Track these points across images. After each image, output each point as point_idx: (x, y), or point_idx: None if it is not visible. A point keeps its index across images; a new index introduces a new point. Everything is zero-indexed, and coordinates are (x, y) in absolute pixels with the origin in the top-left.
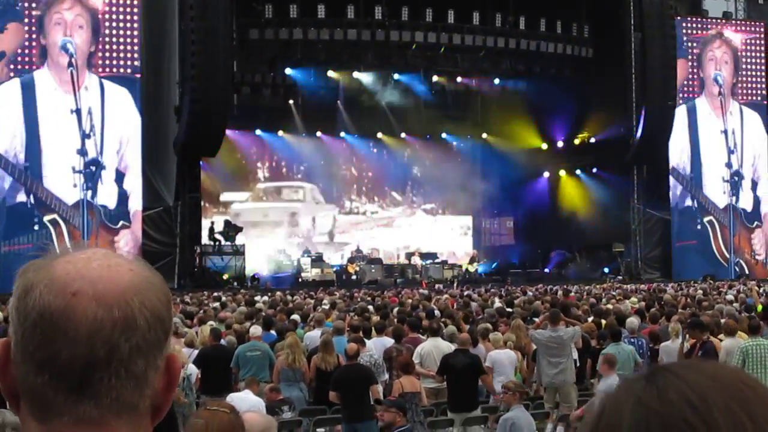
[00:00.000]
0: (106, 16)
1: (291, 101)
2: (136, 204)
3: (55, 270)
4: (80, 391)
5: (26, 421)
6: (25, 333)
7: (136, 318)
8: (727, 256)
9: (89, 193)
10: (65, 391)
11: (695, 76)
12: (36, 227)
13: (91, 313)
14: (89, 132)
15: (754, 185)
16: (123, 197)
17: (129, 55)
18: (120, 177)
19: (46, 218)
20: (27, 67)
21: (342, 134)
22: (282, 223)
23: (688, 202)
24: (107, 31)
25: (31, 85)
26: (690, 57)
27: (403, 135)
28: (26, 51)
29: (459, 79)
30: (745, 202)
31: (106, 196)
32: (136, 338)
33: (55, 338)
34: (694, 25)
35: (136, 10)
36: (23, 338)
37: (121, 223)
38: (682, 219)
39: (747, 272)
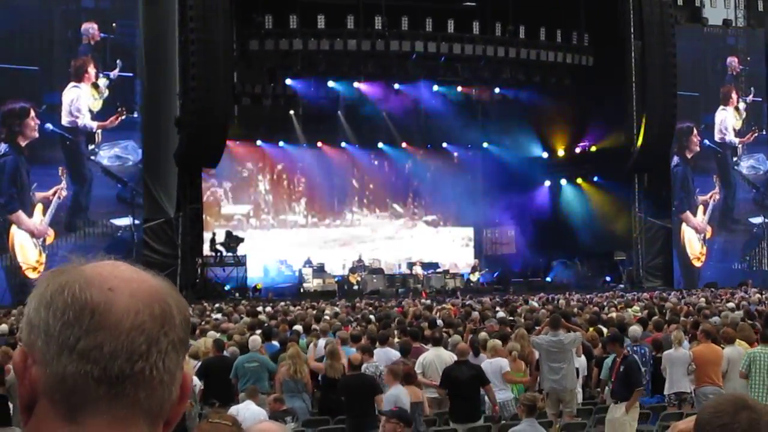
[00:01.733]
0: (111, 27)
1: (291, 111)
2: None
3: (86, 271)
4: (121, 383)
5: (46, 424)
6: (63, 326)
7: (173, 315)
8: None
9: None
10: (107, 384)
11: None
12: None
13: (133, 307)
14: None
15: None
16: None
17: (128, 64)
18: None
19: None
20: None
21: (343, 144)
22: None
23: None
24: (109, 44)
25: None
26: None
27: (404, 145)
28: None
29: (459, 88)
30: None
31: None
32: (172, 333)
33: (98, 330)
34: (695, 33)
35: (136, 22)
36: (60, 332)
37: None
38: None
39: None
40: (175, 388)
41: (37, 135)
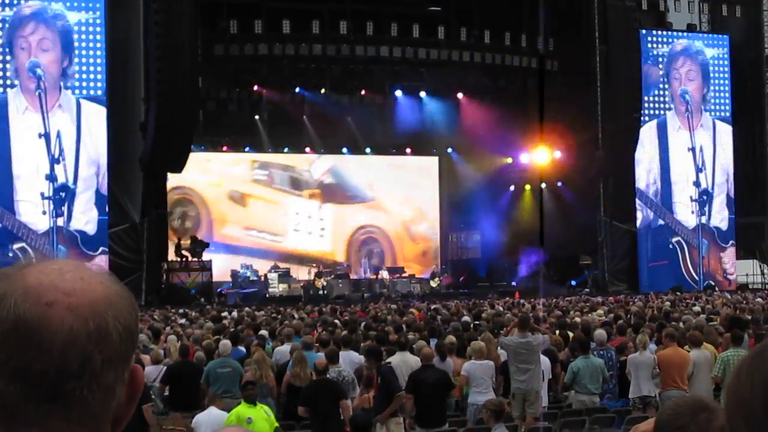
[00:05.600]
0: (75, 36)
1: (257, 117)
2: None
3: (28, 280)
4: (51, 401)
5: None
6: None
7: (110, 330)
8: (696, 277)
9: (59, 220)
10: (36, 401)
11: (665, 91)
12: (10, 254)
13: (67, 323)
14: (58, 156)
15: (730, 201)
16: (103, 222)
17: (95, 69)
18: (101, 201)
19: (15, 246)
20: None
21: (307, 150)
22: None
23: (660, 221)
24: (76, 50)
25: (3, 106)
26: (660, 68)
27: (368, 150)
28: None
29: (423, 94)
30: (720, 221)
31: (84, 222)
32: (108, 350)
33: (29, 348)
34: (659, 39)
35: (98, 29)
36: None
37: (100, 249)
38: (654, 238)
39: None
40: (117, 396)
41: None
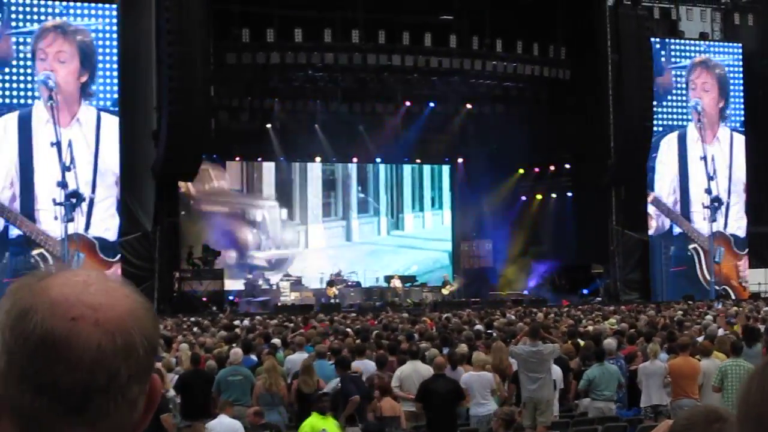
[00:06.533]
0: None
1: (269, 125)
2: None
3: (52, 293)
4: (78, 415)
5: None
6: (23, 356)
7: (136, 346)
8: (710, 280)
9: (71, 225)
10: (63, 416)
11: (683, 102)
12: (32, 260)
13: (95, 339)
14: (69, 164)
15: (748, 209)
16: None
17: (110, 79)
18: (119, 207)
19: (34, 252)
20: (26, 101)
21: (318, 159)
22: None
23: (677, 229)
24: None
25: (28, 118)
26: (673, 76)
27: (378, 160)
28: (25, 85)
29: (432, 104)
30: (737, 228)
31: (103, 229)
32: (134, 365)
33: (57, 363)
34: (672, 47)
35: (112, 38)
36: (21, 361)
37: (119, 256)
38: (675, 245)
39: (732, 296)
40: (139, 407)
41: None
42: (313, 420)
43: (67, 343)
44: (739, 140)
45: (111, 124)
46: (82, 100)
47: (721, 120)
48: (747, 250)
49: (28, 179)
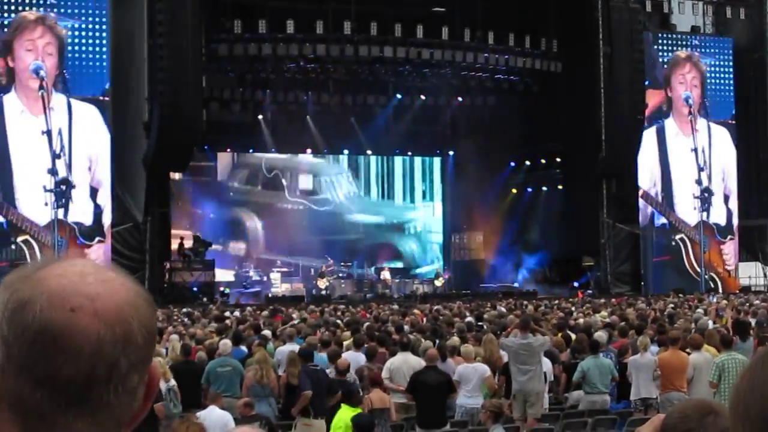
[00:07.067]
0: (76, 33)
1: (260, 116)
2: (108, 220)
3: (50, 283)
4: (78, 406)
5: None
6: (22, 348)
7: (135, 335)
8: (699, 270)
9: (61, 211)
10: (64, 407)
11: (663, 97)
12: (12, 246)
13: (94, 330)
14: (59, 152)
15: (726, 199)
16: (98, 214)
17: (98, 72)
18: (93, 194)
19: (19, 239)
20: None
21: (309, 151)
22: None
23: (662, 220)
24: (77, 53)
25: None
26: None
27: (369, 152)
28: None
29: (423, 96)
30: (718, 217)
31: (80, 213)
32: (133, 355)
33: (56, 355)
34: (664, 41)
35: (104, 27)
36: (19, 353)
37: (97, 239)
38: (657, 236)
39: (720, 286)
40: (138, 396)
41: None
42: (345, 412)
43: (66, 334)
44: (720, 132)
45: (84, 112)
46: (52, 90)
47: (700, 113)
48: (730, 237)
49: (6, 168)
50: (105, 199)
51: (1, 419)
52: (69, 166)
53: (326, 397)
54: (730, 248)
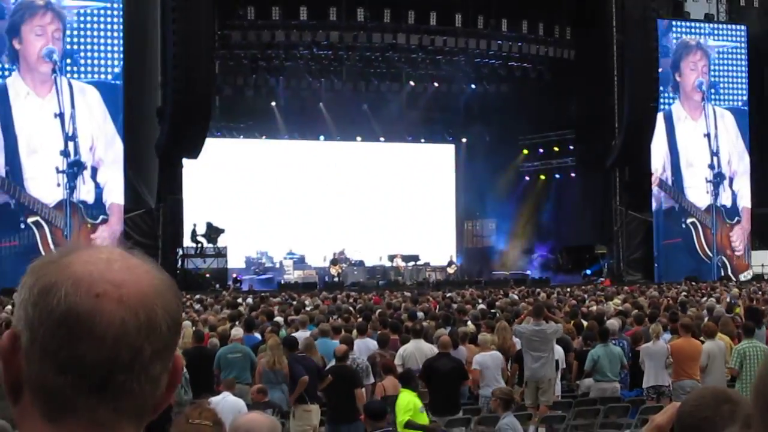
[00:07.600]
0: (88, 18)
1: (273, 103)
2: (110, 197)
3: (75, 269)
4: (101, 392)
5: (30, 417)
6: (46, 332)
7: (159, 322)
8: (710, 254)
9: (70, 192)
10: (86, 392)
11: (670, 81)
12: (22, 226)
13: (118, 316)
14: (72, 134)
15: (731, 182)
16: (99, 193)
17: (111, 56)
18: (94, 173)
19: (29, 220)
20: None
21: (322, 138)
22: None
23: (672, 204)
24: (90, 38)
25: (4, 90)
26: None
27: (382, 139)
28: None
29: (436, 84)
30: (725, 199)
31: (84, 192)
32: (157, 343)
33: (80, 339)
34: (677, 28)
35: (116, 13)
36: (43, 337)
37: (101, 218)
38: (667, 220)
39: (729, 268)
40: (161, 385)
41: None
42: (409, 397)
43: (90, 320)
44: (723, 115)
45: (85, 93)
46: (52, 72)
47: (707, 99)
48: (737, 219)
49: (12, 150)
50: (106, 177)
51: (24, 403)
52: (76, 148)
53: (318, 383)
54: (737, 231)
